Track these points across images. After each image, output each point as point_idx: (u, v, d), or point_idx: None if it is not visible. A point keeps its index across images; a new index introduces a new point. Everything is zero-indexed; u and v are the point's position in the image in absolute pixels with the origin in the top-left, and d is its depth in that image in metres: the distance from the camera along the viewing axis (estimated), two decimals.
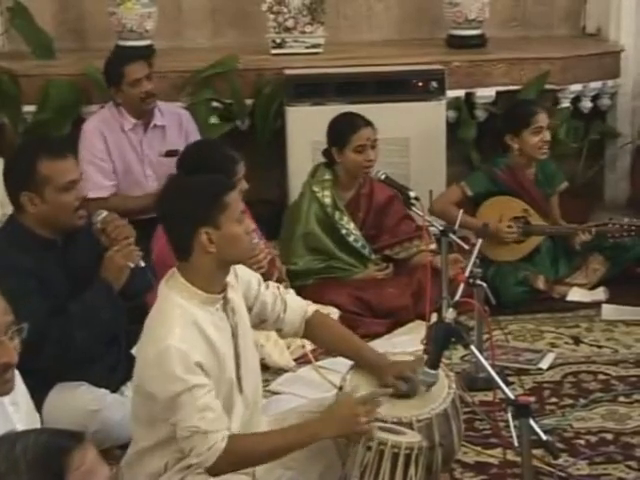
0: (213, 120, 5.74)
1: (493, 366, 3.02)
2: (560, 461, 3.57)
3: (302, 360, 4.45)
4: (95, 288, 3.64)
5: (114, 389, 3.77)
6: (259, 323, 3.26)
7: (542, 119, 5.25)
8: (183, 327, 2.90)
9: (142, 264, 3.74)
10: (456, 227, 4.32)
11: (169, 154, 5.19)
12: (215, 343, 2.96)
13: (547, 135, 5.25)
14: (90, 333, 3.59)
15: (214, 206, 2.95)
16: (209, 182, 3.08)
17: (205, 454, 2.85)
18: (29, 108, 5.67)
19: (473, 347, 2.96)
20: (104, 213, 3.82)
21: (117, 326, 3.76)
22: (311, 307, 3.33)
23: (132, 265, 3.70)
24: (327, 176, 5.10)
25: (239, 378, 3.06)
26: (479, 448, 3.75)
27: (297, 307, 3.29)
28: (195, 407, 2.84)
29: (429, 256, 4.50)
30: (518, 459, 2.97)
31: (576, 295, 5.19)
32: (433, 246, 4.67)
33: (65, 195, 3.59)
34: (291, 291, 3.41)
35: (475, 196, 5.30)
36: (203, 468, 2.89)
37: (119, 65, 5.14)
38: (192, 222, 2.95)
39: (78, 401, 3.62)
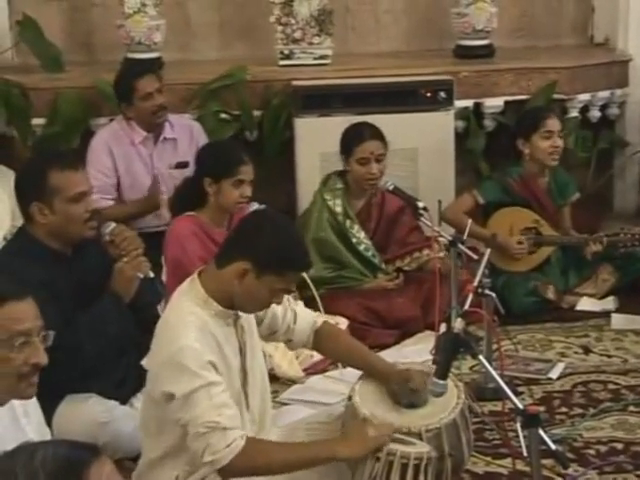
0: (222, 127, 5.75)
1: (502, 376, 3.02)
2: (570, 471, 3.55)
3: (311, 370, 4.45)
4: (104, 300, 3.65)
5: (123, 401, 3.75)
6: (270, 334, 3.27)
7: (552, 124, 5.25)
8: (197, 331, 2.91)
9: (151, 275, 3.76)
10: (465, 237, 4.32)
11: (179, 166, 5.21)
12: (225, 353, 2.97)
13: (558, 141, 5.25)
14: (98, 344, 3.59)
15: (279, 269, 2.93)
16: (301, 257, 3.05)
17: (222, 452, 2.80)
18: (38, 121, 5.68)
19: (482, 357, 2.95)
20: (112, 225, 3.82)
21: (125, 338, 3.75)
22: (320, 318, 3.34)
23: (141, 276, 3.72)
24: (339, 185, 5.12)
25: (245, 394, 3.07)
26: (489, 458, 3.75)
27: (306, 318, 3.30)
28: (212, 403, 2.82)
29: (438, 263, 4.48)
30: (528, 469, 2.97)
31: (586, 305, 5.18)
32: (442, 254, 4.66)
33: (74, 206, 3.59)
34: (300, 302, 3.41)
35: (487, 204, 5.30)
36: (215, 469, 2.83)
37: (130, 80, 5.15)
38: (249, 254, 2.92)
39: (88, 413, 3.61)
